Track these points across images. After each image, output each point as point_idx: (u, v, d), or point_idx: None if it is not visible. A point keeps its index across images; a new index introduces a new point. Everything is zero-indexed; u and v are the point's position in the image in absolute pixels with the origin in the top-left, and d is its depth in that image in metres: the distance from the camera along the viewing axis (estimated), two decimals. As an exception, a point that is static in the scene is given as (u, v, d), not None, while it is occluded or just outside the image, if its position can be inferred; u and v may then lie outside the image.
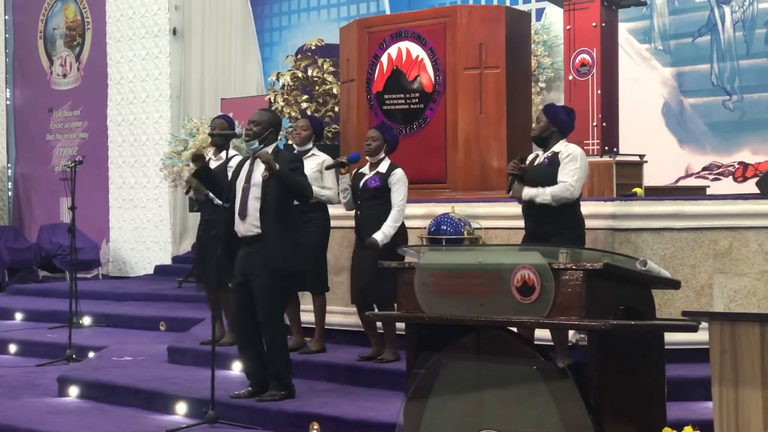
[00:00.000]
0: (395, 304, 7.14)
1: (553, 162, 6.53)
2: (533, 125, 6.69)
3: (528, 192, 6.49)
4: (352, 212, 7.60)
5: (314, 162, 7.88)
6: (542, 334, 6.50)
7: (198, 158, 6.91)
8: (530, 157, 6.76)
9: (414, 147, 8.65)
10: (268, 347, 6.79)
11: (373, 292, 7.29)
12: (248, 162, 6.89)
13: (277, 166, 6.63)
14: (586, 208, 7.07)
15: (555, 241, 6.19)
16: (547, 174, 6.51)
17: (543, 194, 6.44)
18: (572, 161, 6.49)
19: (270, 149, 6.84)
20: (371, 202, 7.40)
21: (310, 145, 8.03)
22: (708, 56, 11.80)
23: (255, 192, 6.72)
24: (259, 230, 6.69)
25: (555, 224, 6.44)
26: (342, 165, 7.53)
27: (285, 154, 6.97)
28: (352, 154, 7.70)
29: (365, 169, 7.55)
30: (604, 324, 4.12)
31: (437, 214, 7.54)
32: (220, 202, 7.11)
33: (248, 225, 6.74)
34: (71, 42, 16.86)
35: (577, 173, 6.47)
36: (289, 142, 8.24)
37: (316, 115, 11.77)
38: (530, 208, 6.59)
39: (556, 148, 6.58)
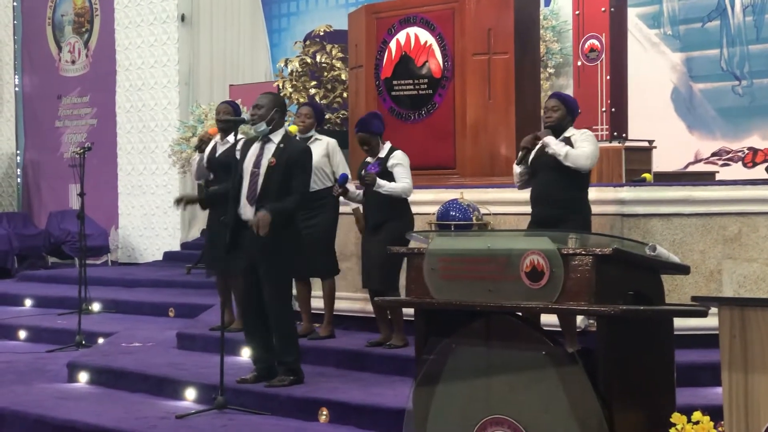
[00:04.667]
0: (397, 290, 7.23)
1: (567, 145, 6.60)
2: (546, 113, 6.70)
3: (549, 139, 6.57)
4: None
5: (320, 147, 7.86)
6: (551, 320, 6.50)
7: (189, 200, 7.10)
8: (538, 146, 6.78)
9: (422, 133, 8.64)
10: (277, 334, 6.80)
11: (373, 279, 7.32)
12: (257, 145, 6.88)
13: (269, 218, 6.59)
14: (596, 193, 7.07)
15: (563, 227, 6.28)
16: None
17: (561, 148, 6.54)
18: (587, 140, 6.64)
19: (278, 137, 6.84)
20: (372, 187, 7.40)
21: (312, 132, 8.04)
22: (717, 41, 11.77)
23: (265, 182, 6.75)
24: None
25: (563, 209, 6.50)
26: (343, 194, 7.46)
27: (295, 144, 6.97)
28: (340, 178, 7.59)
29: (369, 159, 7.55)
30: (613, 309, 4.11)
31: (446, 200, 7.52)
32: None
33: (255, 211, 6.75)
34: (80, 28, 16.86)
35: (589, 147, 6.60)
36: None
37: (321, 101, 11.77)
38: (540, 194, 6.63)
39: (567, 133, 6.70)
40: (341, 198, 7.87)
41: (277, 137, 6.84)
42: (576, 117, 6.83)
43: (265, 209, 6.61)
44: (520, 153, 6.79)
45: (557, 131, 6.70)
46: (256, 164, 6.79)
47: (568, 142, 6.63)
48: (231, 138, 7.78)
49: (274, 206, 6.65)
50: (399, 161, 7.37)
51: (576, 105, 6.85)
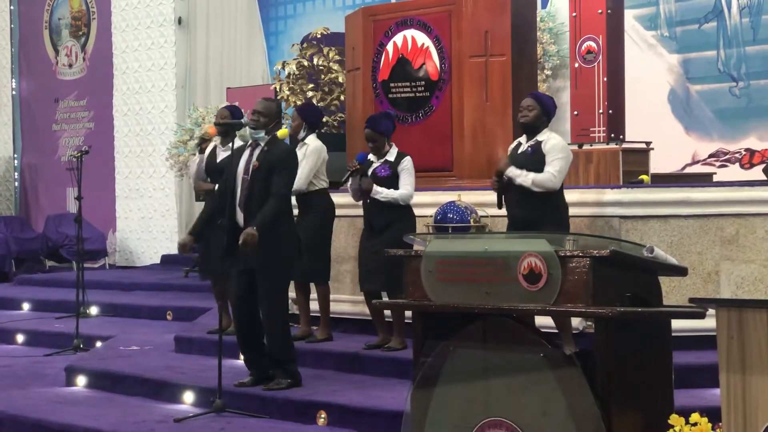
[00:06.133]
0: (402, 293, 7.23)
1: (536, 150, 6.69)
2: (522, 112, 6.71)
3: (511, 171, 6.60)
4: (359, 201, 7.60)
5: (301, 153, 7.79)
6: (549, 322, 6.49)
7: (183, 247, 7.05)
8: (512, 146, 6.81)
9: (420, 135, 8.64)
10: (270, 337, 6.80)
11: (380, 281, 7.32)
12: (247, 151, 6.90)
13: (255, 234, 6.54)
14: (593, 195, 7.08)
15: (541, 228, 6.33)
16: (531, 162, 6.66)
17: (525, 177, 6.60)
18: (554, 151, 6.64)
19: (264, 141, 6.84)
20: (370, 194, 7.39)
21: (302, 134, 8.00)
22: (714, 43, 11.77)
23: (251, 187, 6.74)
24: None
25: (537, 209, 6.56)
26: (358, 171, 7.46)
27: (279, 146, 6.93)
28: (359, 156, 7.63)
29: (372, 157, 7.55)
30: (610, 311, 4.11)
31: (443, 202, 7.53)
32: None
33: None
34: (77, 32, 16.86)
35: (559, 164, 6.61)
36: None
37: (318, 104, 11.77)
38: (512, 194, 6.67)
39: (540, 136, 6.72)
40: (334, 197, 7.90)
41: (263, 141, 6.86)
42: (552, 118, 6.84)
43: (252, 225, 6.59)
44: (497, 195, 6.82)
45: (531, 130, 6.72)
46: (246, 171, 6.82)
47: (538, 146, 6.66)
48: (237, 142, 7.75)
49: (258, 220, 6.62)
50: (406, 167, 7.41)
51: (553, 106, 6.85)
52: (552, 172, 6.56)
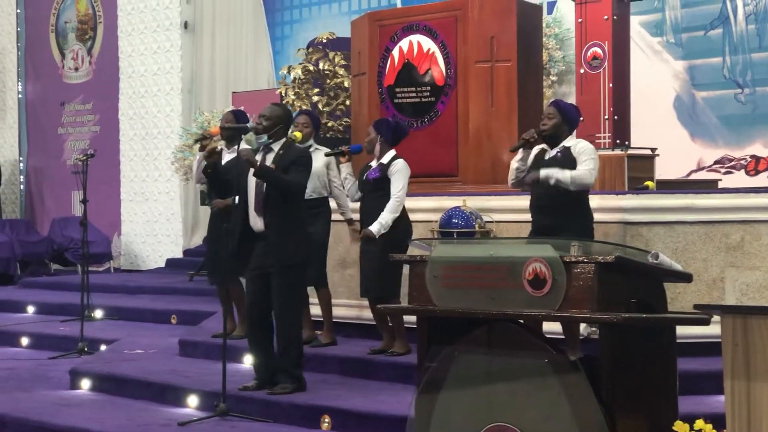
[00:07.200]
0: (397, 298, 7.25)
1: (566, 155, 6.55)
2: (543, 120, 6.65)
3: (547, 171, 6.48)
4: (358, 204, 7.62)
5: (320, 156, 7.85)
6: (554, 328, 6.49)
7: (211, 154, 6.97)
8: (535, 151, 6.74)
9: (425, 140, 8.65)
10: (281, 341, 6.80)
11: (373, 286, 7.32)
12: (259, 156, 6.90)
13: (258, 163, 6.61)
14: (598, 201, 7.07)
15: (564, 235, 6.21)
16: (563, 167, 6.53)
17: (563, 173, 6.44)
18: (586, 153, 6.53)
19: (278, 145, 6.86)
20: (373, 194, 7.39)
21: (311, 141, 8.03)
22: (720, 49, 11.77)
23: (268, 188, 6.74)
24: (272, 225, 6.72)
25: (564, 216, 6.45)
26: (341, 154, 7.53)
27: (295, 149, 6.98)
28: (354, 145, 7.72)
29: (373, 162, 7.55)
30: (615, 317, 4.11)
31: (448, 207, 7.53)
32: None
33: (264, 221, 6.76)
34: (83, 36, 16.89)
35: (592, 163, 6.52)
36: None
37: (324, 109, 11.80)
38: (540, 201, 6.60)
39: (566, 143, 6.61)
40: (332, 203, 7.93)
41: (277, 146, 6.87)
42: (575, 127, 6.75)
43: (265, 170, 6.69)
44: (518, 143, 6.68)
45: (552, 140, 6.62)
46: None
47: (567, 151, 6.57)
48: (243, 146, 7.76)
49: (271, 170, 6.69)
50: (398, 170, 7.35)
51: (576, 115, 6.72)
52: (588, 169, 6.46)
